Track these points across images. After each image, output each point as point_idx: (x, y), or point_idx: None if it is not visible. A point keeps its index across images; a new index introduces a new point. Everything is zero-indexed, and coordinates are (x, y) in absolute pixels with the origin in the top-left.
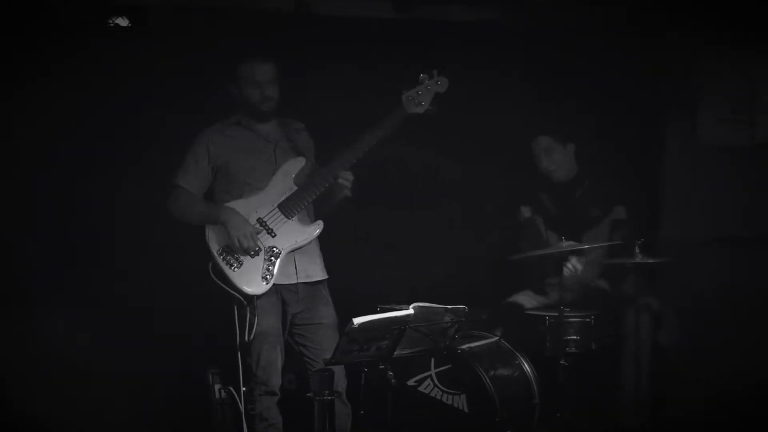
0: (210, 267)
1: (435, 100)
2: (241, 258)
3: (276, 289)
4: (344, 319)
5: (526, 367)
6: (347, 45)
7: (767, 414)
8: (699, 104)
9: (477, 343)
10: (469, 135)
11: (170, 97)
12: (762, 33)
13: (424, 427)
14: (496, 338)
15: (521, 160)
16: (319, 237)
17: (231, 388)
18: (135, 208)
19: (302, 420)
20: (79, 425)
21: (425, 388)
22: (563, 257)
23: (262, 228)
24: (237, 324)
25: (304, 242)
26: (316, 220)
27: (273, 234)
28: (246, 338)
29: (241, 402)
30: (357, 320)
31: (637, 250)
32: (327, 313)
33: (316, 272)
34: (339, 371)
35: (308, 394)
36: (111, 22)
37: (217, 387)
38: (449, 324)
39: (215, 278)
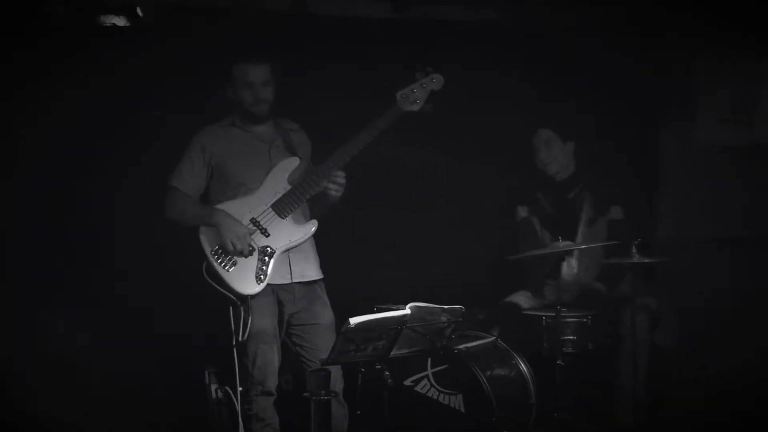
0: (204, 268)
1: (430, 97)
2: (235, 258)
3: (272, 289)
4: (343, 319)
5: (523, 367)
6: (346, 45)
7: (765, 414)
8: (698, 104)
9: (474, 343)
10: (468, 135)
11: (170, 97)
12: (761, 33)
13: (421, 427)
14: (493, 338)
15: (520, 160)
16: (318, 237)
17: (228, 388)
18: (135, 208)
19: (299, 420)
20: (78, 425)
21: (422, 388)
22: (560, 258)
23: (255, 228)
24: (232, 324)
25: (298, 242)
26: (310, 219)
27: (266, 234)
28: (240, 338)
29: (237, 402)
30: (353, 320)
31: (634, 250)
32: (324, 314)
33: (311, 272)
34: (336, 372)
35: (305, 394)
36: (108, 22)
37: (213, 387)
38: (446, 324)
39: (209, 279)
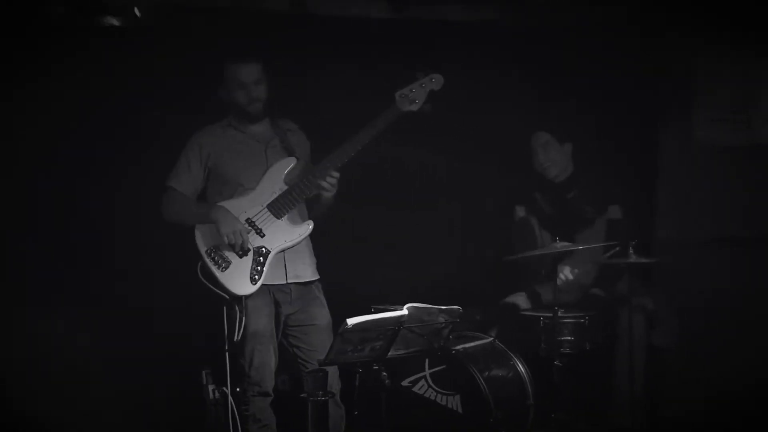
0: (199, 268)
1: (429, 97)
2: (229, 258)
3: (268, 289)
4: (342, 319)
5: (521, 367)
6: (345, 45)
7: (765, 414)
8: (697, 104)
9: (471, 344)
10: (468, 135)
11: (170, 97)
12: (760, 33)
13: (419, 428)
14: (491, 339)
15: (519, 160)
16: (318, 237)
17: (225, 389)
18: (135, 208)
19: (296, 421)
20: (77, 425)
21: (419, 389)
22: (557, 259)
23: (251, 228)
24: (226, 324)
25: (293, 242)
26: (307, 220)
27: (262, 234)
28: (235, 338)
29: (233, 402)
30: (351, 321)
31: (631, 251)
32: (320, 315)
33: (307, 273)
34: (333, 372)
35: (302, 395)
36: (107, 22)
37: (210, 387)
38: (443, 324)
39: (204, 279)
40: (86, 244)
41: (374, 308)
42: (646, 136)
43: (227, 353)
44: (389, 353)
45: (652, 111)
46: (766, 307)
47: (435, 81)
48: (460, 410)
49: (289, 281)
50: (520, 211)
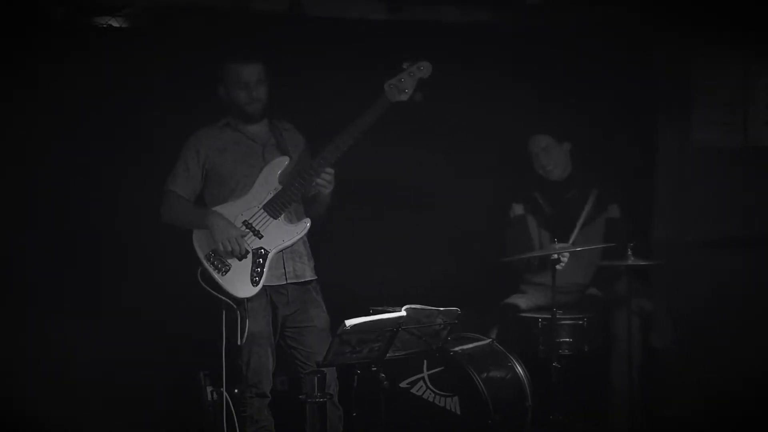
0: (199, 273)
1: (419, 86)
2: (228, 261)
3: (266, 291)
4: (341, 319)
5: (519, 369)
6: (342, 46)
7: (763, 416)
8: (696, 105)
9: (470, 345)
10: (467, 135)
11: (170, 97)
12: (759, 34)
13: (417, 429)
14: (489, 340)
15: (519, 160)
16: (317, 237)
17: (223, 390)
18: (135, 208)
19: (294, 422)
20: (77, 425)
21: (418, 390)
22: (556, 261)
23: (248, 230)
24: (224, 328)
25: (291, 241)
26: (304, 218)
27: (259, 235)
28: (238, 341)
29: (231, 404)
30: (349, 322)
31: (629, 252)
32: (318, 316)
33: (305, 272)
34: (331, 374)
35: (300, 396)
36: (105, 23)
37: (209, 389)
38: (441, 326)
39: (204, 284)
40: (86, 244)
41: (372, 309)
42: (644, 137)
43: (224, 356)
44: (387, 354)
45: (651, 111)
46: (765, 307)
47: (423, 69)
48: (458, 412)
49: (288, 281)
50: (518, 209)
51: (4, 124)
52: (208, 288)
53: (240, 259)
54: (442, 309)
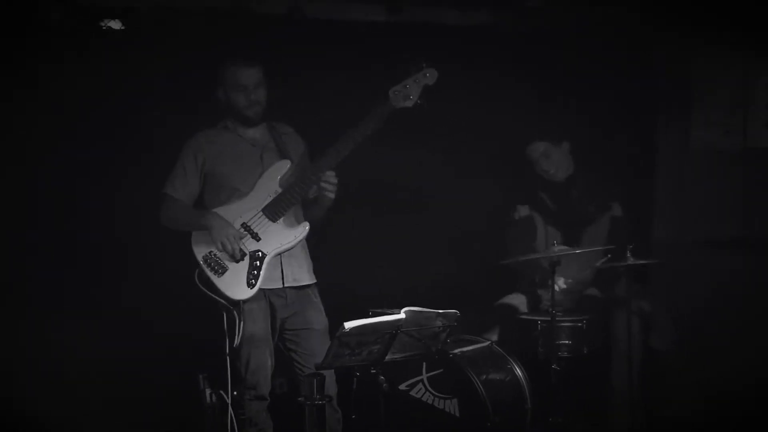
0: (196, 275)
1: (424, 92)
2: (225, 264)
3: (265, 293)
4: (340, 321)
5: (518, 371)
6: (342, 48)
7: (763, 416)
8: (696, 106)
9: (469, 348)
10: (467, 136)
11: (169, 97)
12: (758, 35)
13: (416, 431)
14: (488, 343)
15: (519, 160)
16: (317, 238)
17: (222, 393)
18: (135, 208)
19: (293, 424)
20: (77, 425)
21: (417, 393)
22: (555, 262)
23: (246, 232)
24: (226, 329)
25: (289, 245)
26: (303, 222)
27: (257, 238)
28: (234, 344)
29: (229, 407)
30: (348, 324)
31: (628, 254)
32: (317, 318)
33: (303, 276)
34: (329, 376)
35: (299, 399)
36: (104, 25)
37: (208, 392)
38: (441, 328)
39: (201, 285)
40: (86, 245)
41: (372, 311)
42: (644, 137)
43: (228, 357)
44: (387, 357)
45: (651, 111)
46: (765, 307)
47: (429, 76)
48: (457, 414)
49: (285, 285)
50: (523, 210)
51: (4, 124)
52: (204, 289)
53: (237, 261)
54: (441, 311)
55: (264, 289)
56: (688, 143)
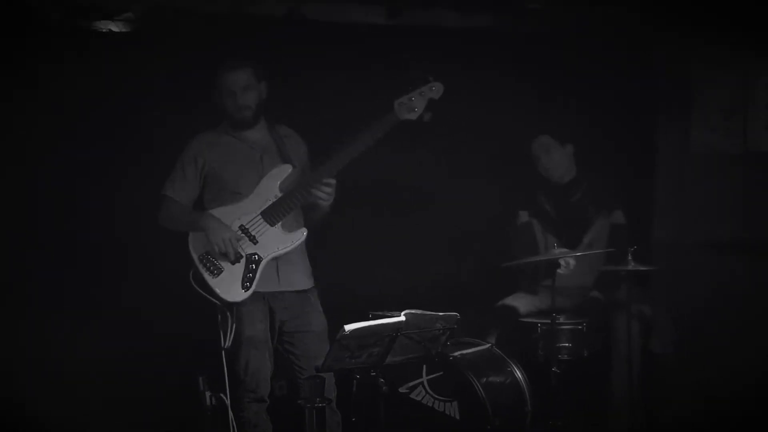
0: (191, 275)
1: (429, 106)
2: (221, 265)
3: (263, 296)
4: (341, 323)
5: (518, 374)
6: (342, 50)
7: (763, 416)
8: (696, 108)
9: (469, 350)
10: (467, 136)
11: (169, 97)
12: (758, 36)
13: None
14: (488, 345)
15: (520, 161)
16: (317, 239)
17: (222, 395)
18: (135, 208)
19: (293, 427)
20: (77, 425)
21: (417, 395)
22: (555, 264)
23: (243, 235)
24: (221, 331)
25: (286, 249)
26: (301, 227)
27: (255, 241)
28: (225, 345)
29: (229, 408)
30: (348, 327)
31: (629, 258)
32: (316, 321)
33: (300, 281)
34: (329, 379)
35: (299, 401)
36: (104, 28)
37: (208, 394)
38: (441, 331)
39: (195, 286)
40: (86, 245)
41: (372, 314)
42: (644, 138)
43: (224, 360)
44: (387, 359)
45: (651, 112)
46: (765, 308)
47: (435, 89)
48: (457, 417)
49: (281, 289)
50: (523, 216)
51: (4, 124)
52: (198, 289)
53: (233, 263)
54: (441, 314)
55: (262, 291)
56: (688, 144)
